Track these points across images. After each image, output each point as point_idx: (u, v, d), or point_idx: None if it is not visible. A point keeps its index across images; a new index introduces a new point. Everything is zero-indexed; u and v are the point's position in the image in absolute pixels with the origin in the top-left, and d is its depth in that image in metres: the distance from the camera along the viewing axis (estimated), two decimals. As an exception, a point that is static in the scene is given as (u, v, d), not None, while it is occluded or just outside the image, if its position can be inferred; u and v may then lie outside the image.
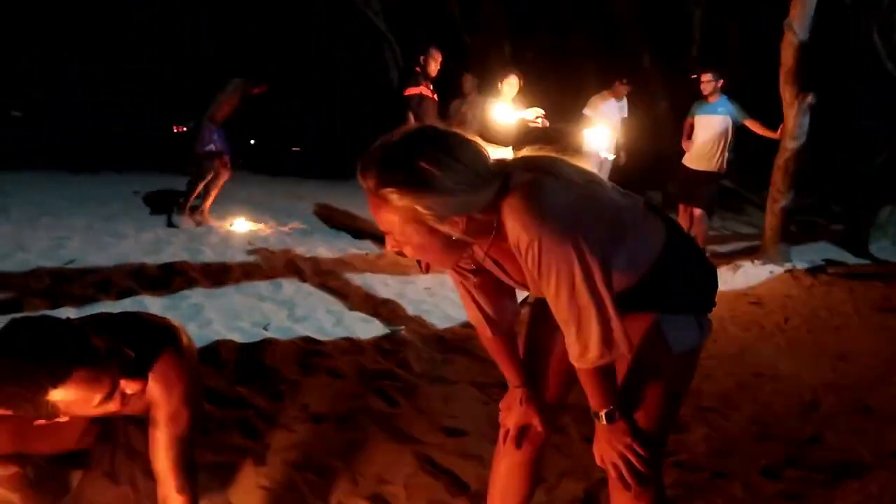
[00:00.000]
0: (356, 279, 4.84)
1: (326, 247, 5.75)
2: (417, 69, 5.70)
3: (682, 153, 6.44)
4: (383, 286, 4.74)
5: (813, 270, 5.92)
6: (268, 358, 3.18)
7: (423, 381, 3.13)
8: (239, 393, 2.77)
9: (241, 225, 6.23)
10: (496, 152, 4.93)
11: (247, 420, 2.54)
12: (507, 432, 1.63)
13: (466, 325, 4.04)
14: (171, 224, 5.97)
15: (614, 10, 10.56)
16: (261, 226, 6.34)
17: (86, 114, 10.08)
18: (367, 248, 5.97)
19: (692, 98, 6.43)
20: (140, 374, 1.46)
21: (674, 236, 1.46)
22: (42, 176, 7.64)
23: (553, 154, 1.39)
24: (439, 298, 4.57)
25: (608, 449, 1.42)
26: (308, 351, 3.34)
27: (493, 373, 1.65)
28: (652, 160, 8.98)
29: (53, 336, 1.35)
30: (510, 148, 5.63)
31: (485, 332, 1.57)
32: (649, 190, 9.46)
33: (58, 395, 1.34)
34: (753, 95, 6.52)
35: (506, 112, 5.54)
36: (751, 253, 6.54)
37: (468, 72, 7.36)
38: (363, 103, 10.64)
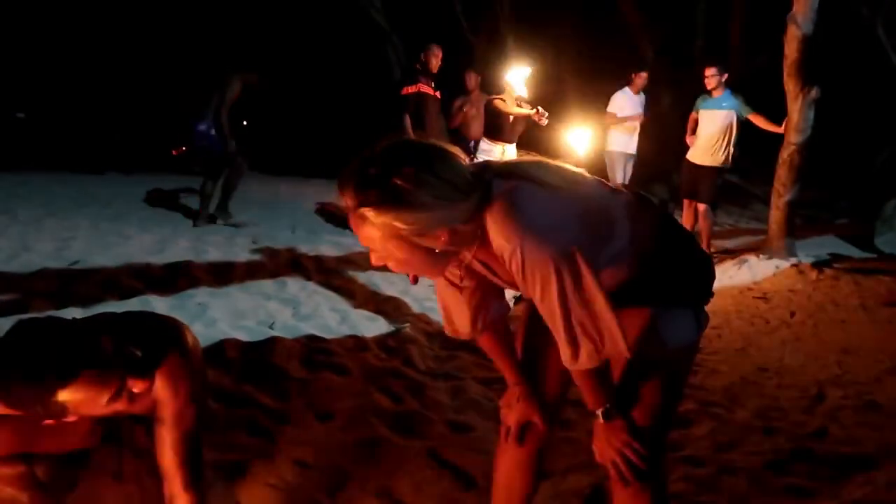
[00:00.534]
0: (361, 277, 4.85)
1: (330, 245, 5.76)
2: (417, 66, 5.69)
3: (687, 148, 6.43)
4: (388, 284, 4.74)
5: (818, 265, 5.90)
6: (273, 356, 3.19)
7: (428, 377, 3.14)
8: (245, 391, 2.78)
9: (245, 224, 6.24)
10: (498, 148, 4.93)
11: (253, 418, 2.54)
12: (508, 430, 1.63)
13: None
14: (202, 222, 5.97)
15: (618, 5, 10.52)
16: (265, 224, 6.35)
17: (90, 114, 10.10)
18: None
19: (696, 92, 6.42)
20: (146, 373, 1.47)
21: (666, 229, 1.46)
22: (47, 177, 7.67)
23: (535, 158, 1.40)
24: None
25: (607, 447, 1.42)
26: (313, 349, 3.35)
27: (497, 368, 1.66)
28: (656, 154, 8.95)
29: (60, 337, 1.36)
30: (514, 144, 5.64)
31: (463, 332, 1.56)
32: (654, 183, 9.44)
33: (65, 396, 1.35)
34: (757, 89, 6.50)
35: (580, 137, 5.05)
36: (756, 247, 6.52)
37: (471, 69, 7.34)
38: (366, 101, 10.63)
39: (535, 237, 1.24)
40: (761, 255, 6.10)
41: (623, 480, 1.42)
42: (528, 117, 5.60)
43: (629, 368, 1.42)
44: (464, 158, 1.30)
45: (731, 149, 6.17)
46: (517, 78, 5.64)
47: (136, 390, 1.44)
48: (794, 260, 6.01)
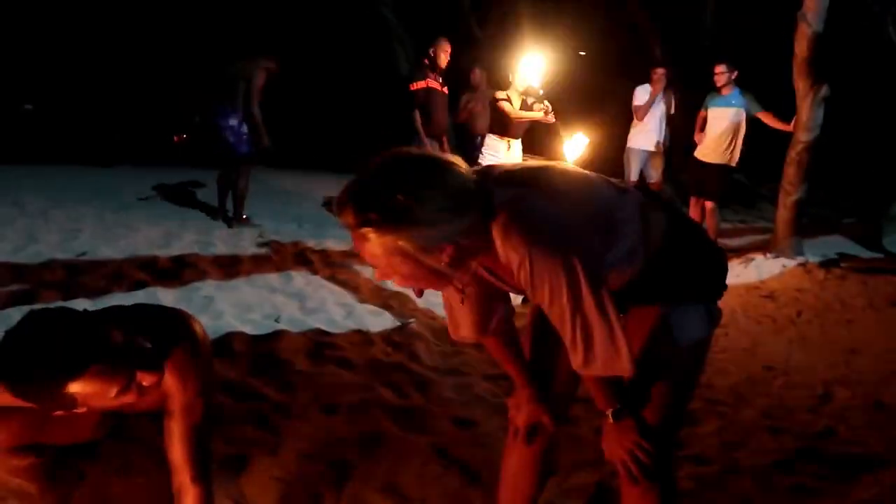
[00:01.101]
0: (367, 271, 4.85)
1: (337, 239, 5.76)
2: (426, 61, 5.67)
3: (695, 145, 6.40)
4: (394, 279, 4.74)
5: (825, 264, 5.88)
6: (279, 350, 3.20)
7: (433, 372, 3.14)
8: (251, 385, 2.79)
9: (251, 218, 6.24)
10: (504, 144, 4.88)
11: (258, 411, 2.55)
12: (516, 430, 1.62)
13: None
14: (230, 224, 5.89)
15: (626, 2, 10.48)
16: (271, 218, 6.35)
17: (98, 107, 10.12)
18: (377, 240, 5.96)
19: (705, 90, 6.38)
20: (156, 365, 1.47)
21: (676, 225, 1.44)
22: (54, 169, 7.68)
23: (538, 162, 1.38)
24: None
25: (616, 446, 1.41)
26: (319, 343, 3.36)
27: (505, 371, 1.67)
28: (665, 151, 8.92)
29: (71, 328, 1.36)
30: (519, 140, 5.61)
31: (469, 336, 1.55)
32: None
33: (75, 388, 1.35)
34: (767, 87, 6.46)
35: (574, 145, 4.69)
36: (763, 246, 6.50)
37: (478, 65, 7.32)
38: (373, 96, 10.62)
39: (543, 247, 1.22)
40: (768, 254, 6.08)
41: (632, 480, 1.41)
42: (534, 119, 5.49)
43: (640, 367, 1.40)
44: (464, 169, 1.26)
45: (740, 147, 6.14)
46: (529, 68, 5.37)
47: (145, 383, 1.44)
48: (801, 259, 5.99)
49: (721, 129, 6.10)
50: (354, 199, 1.20)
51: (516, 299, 1.72)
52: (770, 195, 8.18)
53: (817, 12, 5.75)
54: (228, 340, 3.24)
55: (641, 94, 6.76)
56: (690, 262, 1.43)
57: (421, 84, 5.54)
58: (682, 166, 7.34)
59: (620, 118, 7.19)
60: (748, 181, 9.70)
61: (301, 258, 5.03)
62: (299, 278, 4.54)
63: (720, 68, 6.08)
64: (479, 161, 5.39)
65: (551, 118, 5.42)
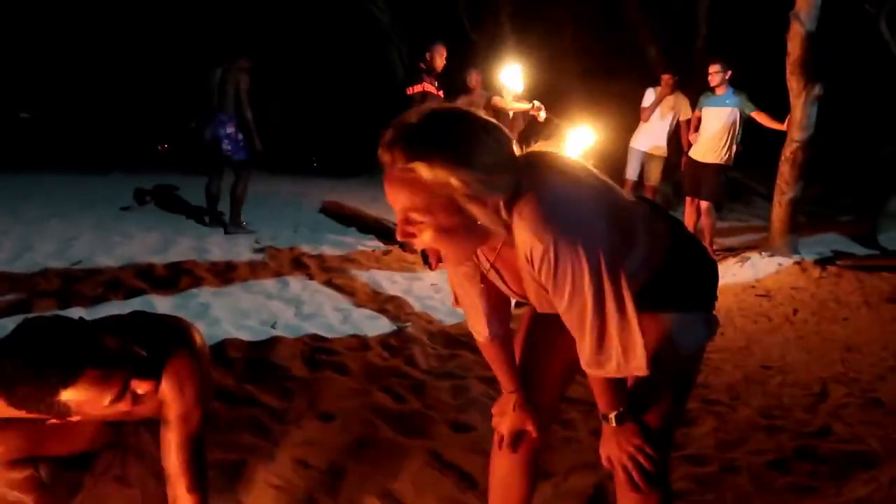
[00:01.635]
0: (363, 276, 4.85)
1: (332, 244, 5.76)
2: (422, 65, 5.68)
3: (690, 145, 6.42)
4: (390, 283, 4.75)
5: (821, 262, 5.89)
6: (275, 356, 3.19)
7: (430, 377, 3.14)
8: (247, 391, 2.78)
9: (248, 224, 6.24)
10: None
11: (255, 418, 2.55)
12: (501, 438, 1.61)
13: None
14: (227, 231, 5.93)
15: (620, 3, 10.50)
16: (267, 223, 6.35)
17: (94, 115, 10.12)
18: (373, 244, 5.98)
19: (699, 90, 6.40)
20: (151, 374, 1.46)
21: (679, 236, 1.45)
22: (51, 177, 7.68)
23: (557, 151, 1.34)
24: (446, 294, 4.58)
25: (617, 450, 1.41)
26: (315, 348, 3.36)
27: (495, 374, 1.67)
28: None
29: (64, 336, 1.36)
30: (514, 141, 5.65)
31: (483, 334, 1.54)
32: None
33: (69, 395, 1.35)
34: (760, 86, 6.47)
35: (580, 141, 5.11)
36: (759, 245, 6.51)
37: (473, 68, 7.33)
38: (368, 101, 10.63)
39: (570, 236, 1.18)
40: (764, 253, 6.09)
41: (633, 484, 1.40)
42: (526, 112, 5.84)
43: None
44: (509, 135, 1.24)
45: (735, 146, 6.15)
46: (510, 76, 5.78)
47: (140, 391, 1.43)
48: (796, 257, 6.00)
49: (715, 128, 6.11)
50: (412, 132, 1.15)
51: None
52: (766, 193, 8.20)
53: (810, 11, 5.77)
54: (224, 347, 3.24)
55: (648, 97, 6.83)
56: (691, 273, 1.44)
57: (417, 88, 5.56)
58: (677, 166, 7.35)
59: (616, 118, 7.20)
60: (744, 180, 9.72)
61: (297, 263, 5.03)
62: (295, 284, 4.54)
63: (714, 68, 6.10)
64: None
65: (542, 115, 5.62)
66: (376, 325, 3.86)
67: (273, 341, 3.37)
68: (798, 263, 5.84)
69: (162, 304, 3.87)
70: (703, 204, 6.24)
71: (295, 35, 11.66)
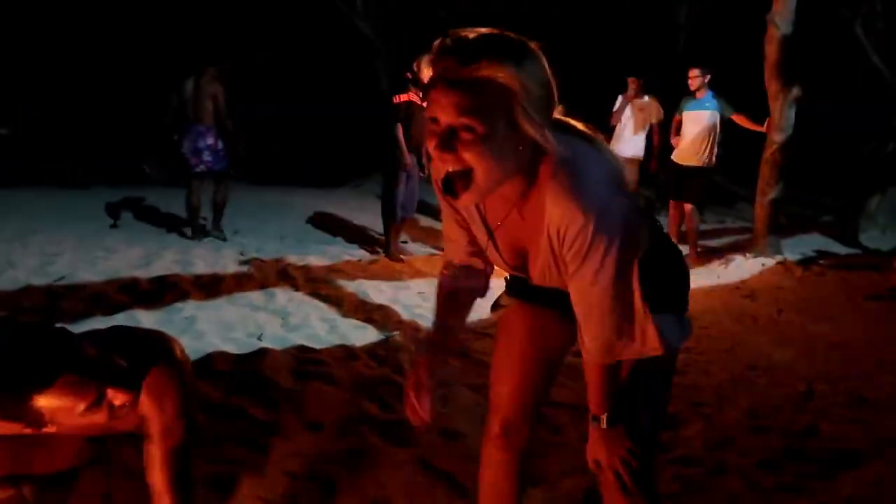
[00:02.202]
0: (349, 286, 4.84)
1: (319, 254, 5.74)
2: (409, 76, 5.70)
3: (672, 149, 6.47)
4: (377, 292, 4.74)
5: (804, 262, 5.96)
6: (263, 368, 3.17)
7: (419, 385, 3.12)
8: (235, 404, 2.76)
9: (233, 235, 6.21)
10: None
11: (242, 431, 2.53)
12: (491, 438, 1.60)
13: (461, 329, 4.04)
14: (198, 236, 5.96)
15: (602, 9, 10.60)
16: (252, 235, 6.32)
17: (74, 129, 10.03)
18: (359, 254, 5.97)
19: (679, 94, 6.46)
20: (128, 384, 1.44)
21: (659, 239, 1.46)
22: (32, 193, 7.60)
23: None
24: (433, 302, 4.56)
25: (607, 453, 1.40)
26: (303, 359, 3.34)
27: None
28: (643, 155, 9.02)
29: (38, 341, 1.34)
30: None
31: (451, 266, 1.54)
32: (640, 185, 9.47)
33: (41, 402, 1.33)
34: (739, 89, 6.55)
35: None
36: (742, 246, 6.57)
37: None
38: (352, 110, 10.63)
39: (612, 217, 1.18)
40: (748, 254, 6.15)
41: (622, 487, 1.40)
42: None
43: (627, 375, 1.40)
44: None
45: (716, 149, 6.21)
46: None
47: (116, 402, 1.41)
48: (780, 258, 6.07)
49: (696, 132, 6.17)
50: (471, 39, 1.13)
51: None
52: (749, 195, 8.29)
53: (785, 15, 5.86)
54: (211, 360, 3.21)
55: (619, 101, 6.92)
56: (667, 275, 1.45)
57: (404, 97, 5.57)
58: (660, 170, 7.42)
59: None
60: (727, 182, 9.81)
61: (283, 275, 5.01)
62: (282, 295, 4.52)
63: (694, 72, 6.16)
64: None
65: None
66: (364, 335, 3.85)
67: (260, 353, 3.35)
68: (781, 264, 5.91)
69: (147, 318, 3.84)
70: (687, 207, 6.29)
71: (277, 45, 11.65)
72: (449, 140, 1.14)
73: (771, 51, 5.97)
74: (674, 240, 1.73)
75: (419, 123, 5.70)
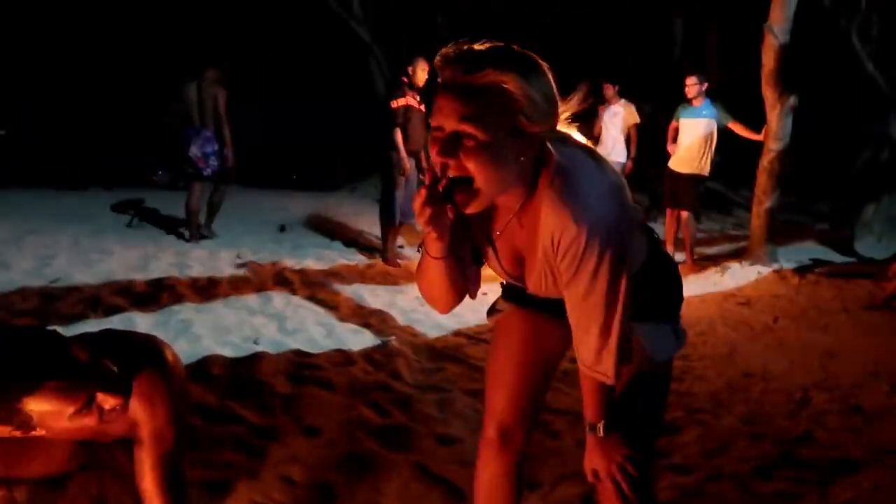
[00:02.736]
0: (346, 290, 4.83)
1: (316, 258, 5.74)
2: (405, 79, 5.70)
3: (668, 156, 6.49)
4: (373, 296, 4.73)
5: (800, 270, 5.97)
6: (259, 372, 3.16)
7: (415, 390, 3.13)
8: (230, 408, 2.75)
9: (228, 238, 6.20)
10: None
11: (238, 435, 2.52)
12: (487, 442, 1.60)
13: (458, 334, 4.05)
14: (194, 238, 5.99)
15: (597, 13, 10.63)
16: (248, 239, 6.31)
17: (71, 130, 10.02)
18: (356, 258, 5.96)
19: (676, 101, 6.48)
20: (118, 388, 1.43)
21: (655, 249, 1.47)
22: (30, 194, 7.58)
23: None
24: (430, 307, 4.56)
25: (605, 461, 1.40)
26: (299, 364, 3.33)
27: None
28: (637, 163, 9.04)
29: (28, 344, 1.33)
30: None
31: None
32: (635, 193, 9.50)
33: (31, 405, 1.32)
34: (736, 97, 6.58)
35: None
36: (738, 254, 6.58)
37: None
38: (348, 114, 10.63)
39: (604, 229, 1.18)
40: (744, 262, 6.16)
41: (620, 495, 1.40)
42: None
43: (624, 382, 1.41)
44: None
45: (712, 157, 6.23)
46: None
47: (106, 406, 1.40)
48: (776, 265, 6.08)
49: (692, 139, 6.18)
50: (477, 49, 1.15)
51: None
52: (745, 203, 8.31)
53: (783, 24, 5.88)
54: (207, 364, 3.20)
55: (603, 114, 7.05)
56: (662, 285, 1.46)
57: (401, 102, 5.57)
58: (656, 177, 7.44)
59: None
60: (724, 189, 9.84)
61: (280, 278, 5.00)
62: (278, 299, 4.51)
63: (691, 80, 6.18)
64: None
65: None
66: (360, 340, 3.84)
67: (256, 357, 3.34)
68: (777, 272, 5.92)
69: (143, 321, 3.83)
70: (683, 214, 6.30)
71: (277, 46, 11.65)
72: (451, 146, 1.14)
73: (768, 59, 5.99)
74: (670, 248, 1.74)
75: (416, 127, 5.71)
